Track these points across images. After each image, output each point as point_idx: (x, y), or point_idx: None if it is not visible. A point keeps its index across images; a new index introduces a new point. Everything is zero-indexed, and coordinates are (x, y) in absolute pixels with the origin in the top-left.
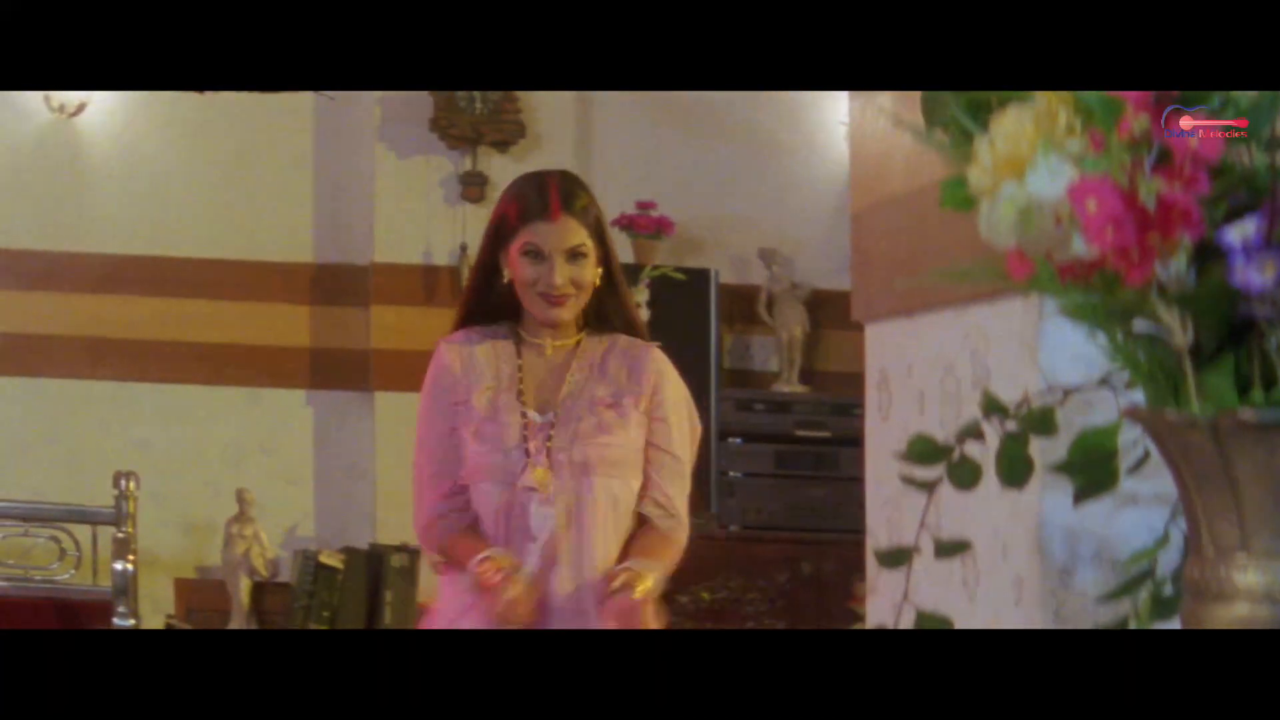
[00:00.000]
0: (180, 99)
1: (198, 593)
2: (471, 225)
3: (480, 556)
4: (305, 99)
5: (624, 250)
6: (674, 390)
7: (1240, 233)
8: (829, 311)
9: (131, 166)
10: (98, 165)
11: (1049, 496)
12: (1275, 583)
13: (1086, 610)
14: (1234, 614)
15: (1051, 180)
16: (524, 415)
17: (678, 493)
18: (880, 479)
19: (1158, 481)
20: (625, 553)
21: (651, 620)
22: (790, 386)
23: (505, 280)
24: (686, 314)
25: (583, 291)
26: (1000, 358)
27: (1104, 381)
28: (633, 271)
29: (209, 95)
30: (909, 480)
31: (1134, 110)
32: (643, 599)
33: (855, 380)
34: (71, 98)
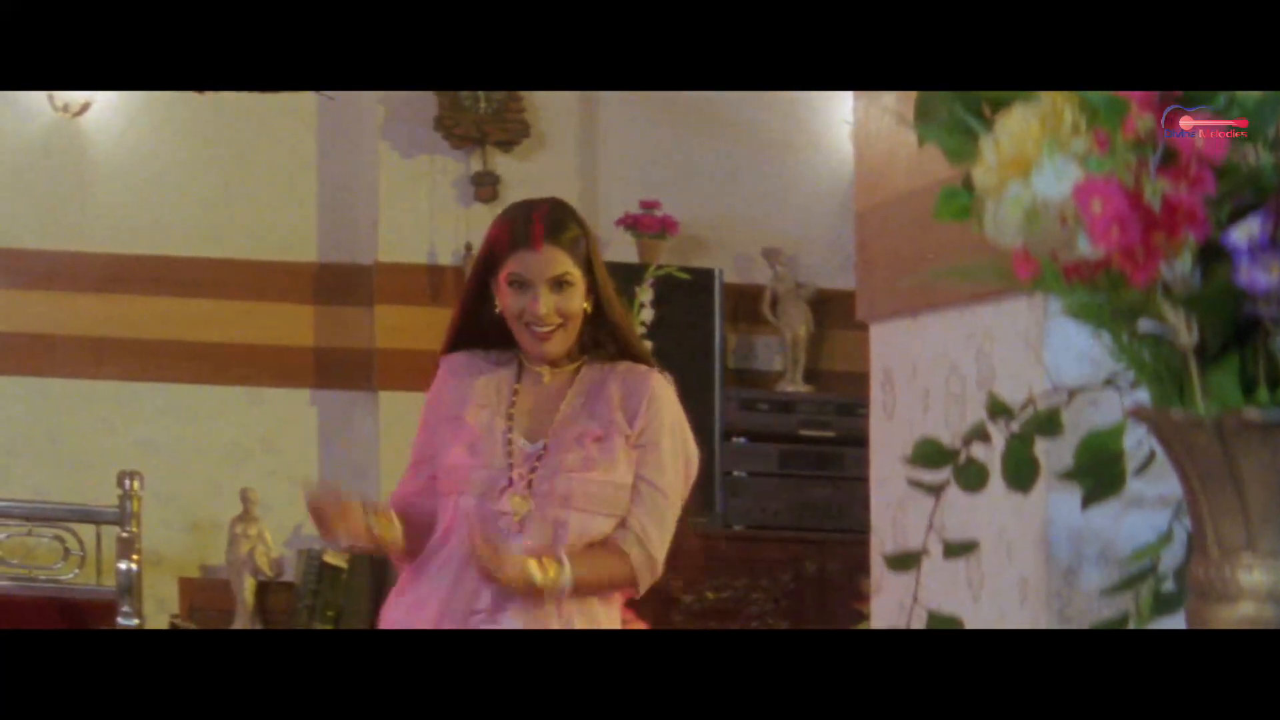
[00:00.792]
0: (183, 99)
1: (202, 592)
2: (476, 225)
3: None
4: (308, 99)
5: (628, 250)
6: (669, 419)
7: (1245, 233)
8: (833, 311)
9: (135, 166)
10: (101, 165)
11: (1054, 496)
12: None
13: (1091, 610)
14: (1239, 614)
15: (1057, 180)
16: (510, 441)
17: (655, 529)
18: (885, 479)
19: (1163, 482)
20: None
21: (547, 610)
22: (794, 386)
23: (496, 310)
24: (691, 314)
25: (570, 321)
26: (1005, 357)
27: (1109, 381)
28: (637, 271)
29: (212, 95)
30: (916, 484)
31: (1139, 110)
32: (532, 583)
33: (859, 380)
34: (75, 97)
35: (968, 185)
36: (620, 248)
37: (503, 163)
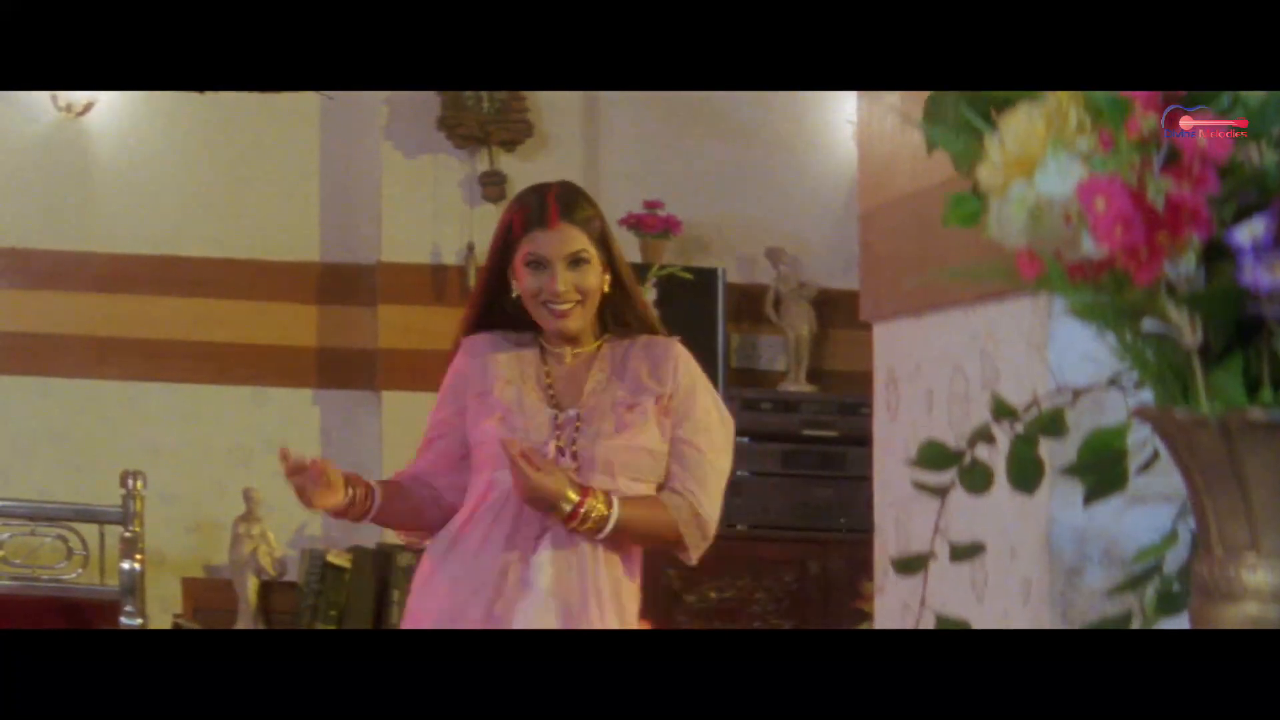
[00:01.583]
0: (187, 99)
1: (205, 592)
2: (479, 224)
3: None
4: (311, 99)
5: (631, 249)
6: (700, 381)
7: (1250, 232)
8: (836, 311)
9: (138, 166)
10: (104, 165)
11: (1058, 497)
12: None
13: (1094, 610)
14: (1243, 613)
15: (1061, 179)
16: (553, 410)
17: (699, 487)
18: (888, 479)
19: (1166, 481)
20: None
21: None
22: (797, 386)
23: (514, 295)
24: (694, 313)
25: (588, 299)
26: (1009, 357)
27: (1113, 381)
28: (640, 271)
29: (215, 95)
30: (921, 487)
31: (1142, 109)
32: (585, 521)
33: (863, 380)
34: (78, 97)
35: (976, 191)
36: (624, 248)
37: (506, 162)
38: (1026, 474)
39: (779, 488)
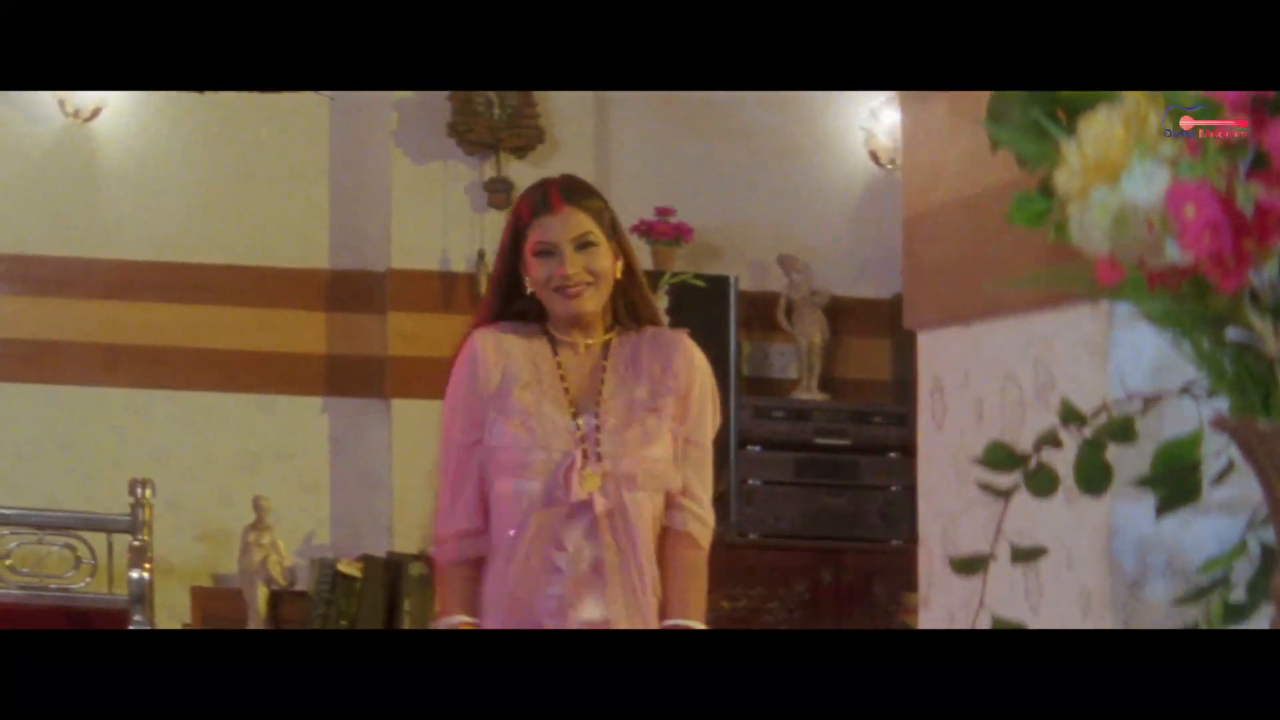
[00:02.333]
0: (194, 104)
1: (214, 601)
2: (489, 231)
3: (453, 622)
4: (320, 105)
5: (642, 257)
6: (706, 380)
7: None
8: (848, 318)
9: (146, 171)
10: (112, 170)
11: (1120, 506)
12: None
13: (1157, 620)
14: None
15: (1147, 185)
16: (574, 418)
17: (705, 488)
18: (934, 488)
19: (1233, 492)
20: (665, 576)
21: None
22: (809, 394)
23: (528, 292)
24: (706, 321)
25: (600, 281)
26: (1066, 365)
27: (1185, 389)
28: (652, 278)
29: (223, 100)
30: (986, 488)
31: (1231, 112)
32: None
33: (875, 387)
34: (85, 102)
35: (1044, 190)
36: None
37: (516, 169)
38: (1094, 479)
39: (791, 496)
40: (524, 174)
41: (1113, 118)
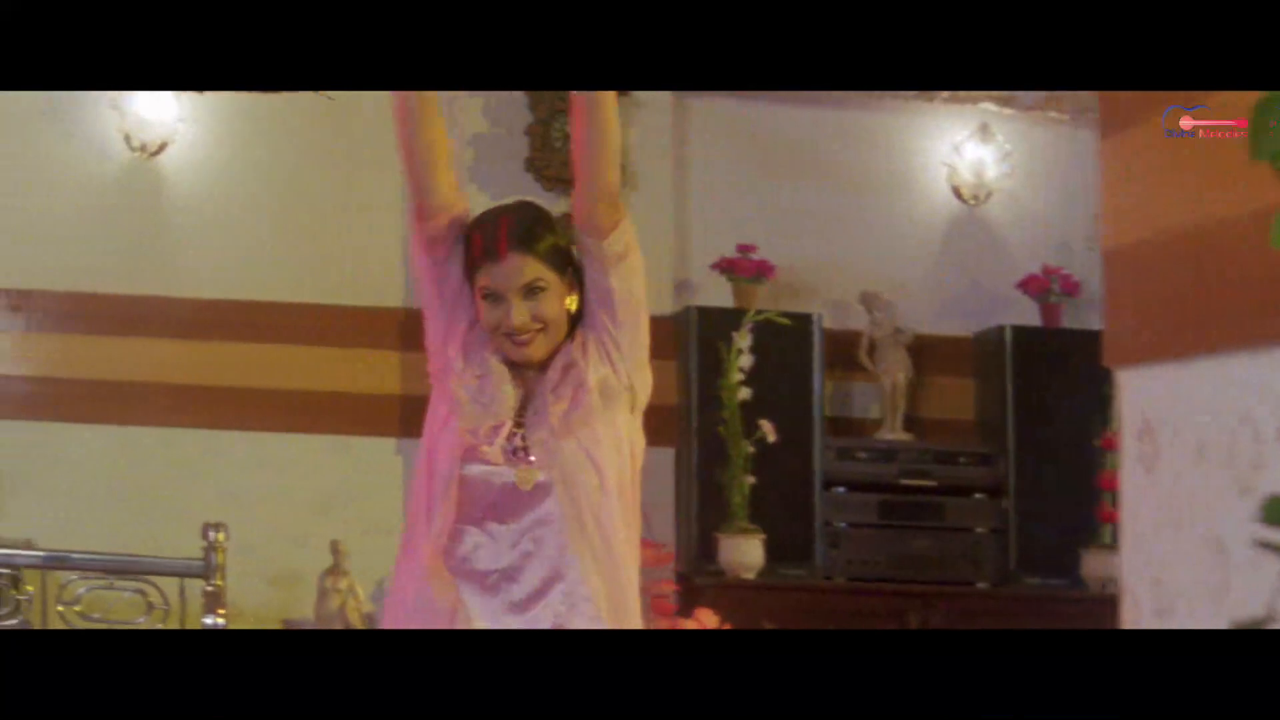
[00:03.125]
0: (264, 137)
1: None
2: None
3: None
4: (393, 143)
5: (724, 294)
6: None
7: None
8: (933, 357)
9: (216, 207)
10: (180, 206)
11: None
12: None
13: None
14: None
15: None
16: (516, 405)
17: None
18: (1143, 536)
19: None
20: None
21: None
22: (894, 434)
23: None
24: (789, 360)
25: (551, 325)
26: None
27: None
28: (735, 316)
29: (296, 133)
30: (1268, 545)
31: None
32: None
33: (960, 427)
34: (152, 137)
35: None
36: (714, 292)
37: None
38: None
39: (876, 539)
40: None
41: None
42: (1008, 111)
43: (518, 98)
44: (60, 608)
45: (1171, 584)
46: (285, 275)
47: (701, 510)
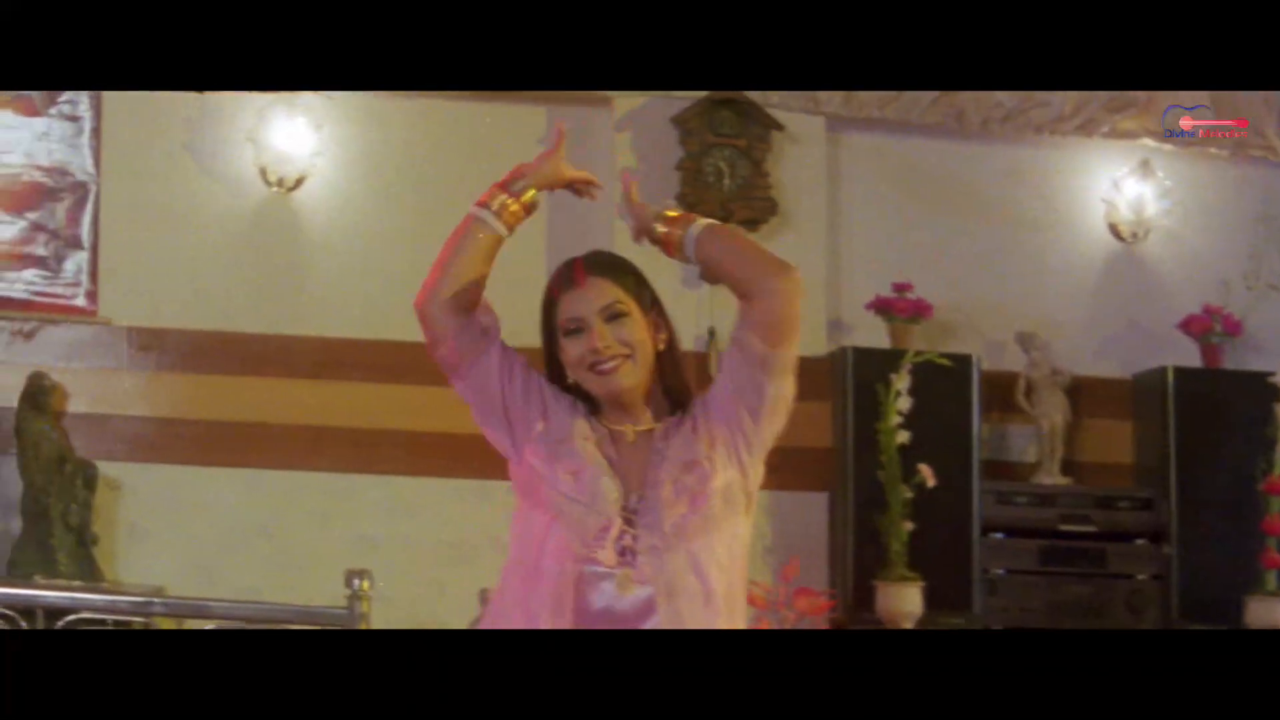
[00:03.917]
0: (401, 174)
1: None
2: (719, 308)
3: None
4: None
5: (879, 335)
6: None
7: None
8: (1091, 399)
9: (351, 243)
10: (317, 242)
11: None
12: None
13: None
14: None
15: None
16: (620, 492)
17: None
18: None
19: None
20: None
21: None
22: (1052, 478)
23: (572, 381)
24: (947, 402)
25: (636, 352)
26: None
27: None
28: (891, 357)
29: (434, 170)
30: None
31: None
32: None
33: (1117, 471)
34: (289, 172)
35: None
36: (866, 332)
37: None
38: None
39: (1036, 586)
40: None
41: None
42: (1167, 147)
43: (669, 132)
44: None
45: None
46: None
47: (858, 556)
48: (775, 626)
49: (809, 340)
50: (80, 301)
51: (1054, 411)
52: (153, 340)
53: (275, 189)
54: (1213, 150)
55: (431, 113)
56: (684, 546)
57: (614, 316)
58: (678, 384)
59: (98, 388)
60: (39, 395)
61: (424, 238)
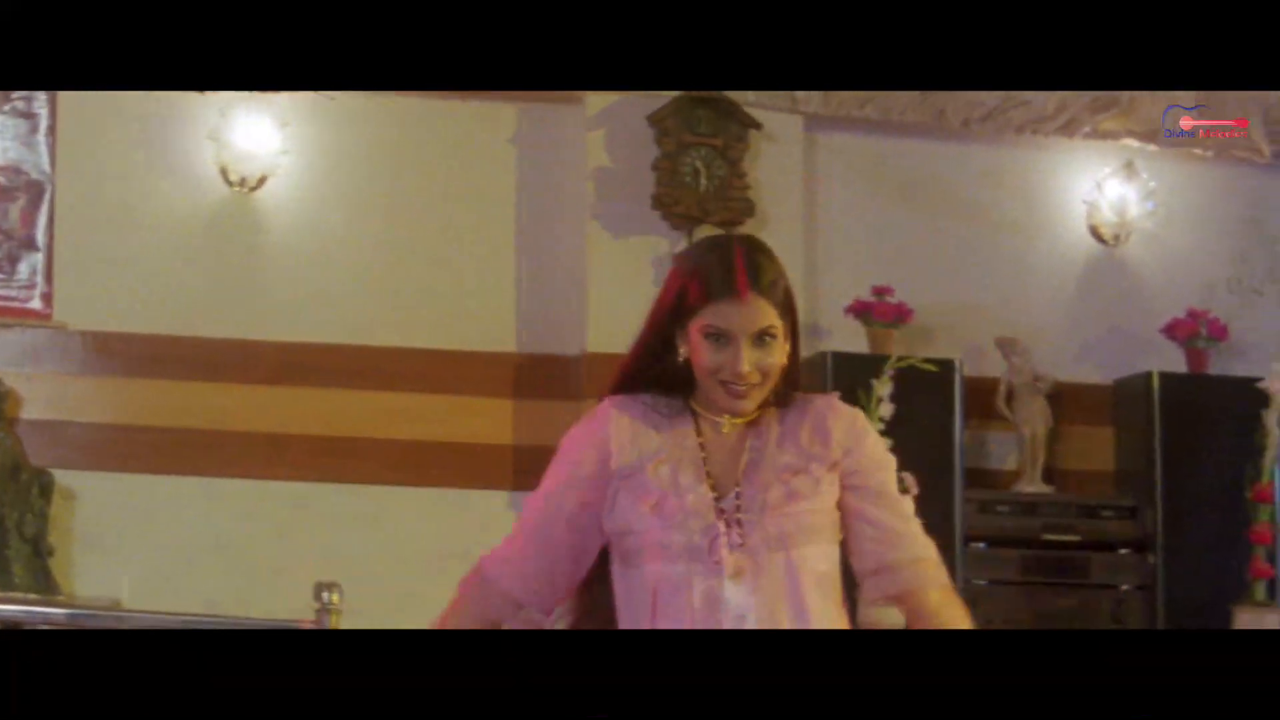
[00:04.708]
0: (368, 172)
1: None
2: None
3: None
4: (508, 172)
5: (855, 338)
6: (873, 446)
7: None
8: (1073, 406)
9: (315, 245)
10: (278, 244)
11: None
12: None
13: None
14: None
15: None
16: (714, 494)
17: (914, 525)
18: None
19: None
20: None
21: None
22: (1033, 486)
23: (681, 359)
24: (928, 408)
25: (769, 378)
26: None
27: None
28: (872, 362)
29: (402, 165)
30: None
31: None
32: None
33: (1099, 478)
34: (252, 171)
35: None
36: (844, 336)
37: None
38: None
39: (1018, 596)
40: None
41: None
42: (1151, 148)
43: (644, 131)
44: None
45: None
46: (391, 317)
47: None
48: None
49: None
50: (35, 304)
51: (1036, 419)
52: (110, 344)
53: (237, 189)
54: (1197, 152)
55: (400, 111)
56: (783, 553)
57: (763, 340)
58: (794, 380)
59: (53, 393)
60: None
61: (390, 239)
